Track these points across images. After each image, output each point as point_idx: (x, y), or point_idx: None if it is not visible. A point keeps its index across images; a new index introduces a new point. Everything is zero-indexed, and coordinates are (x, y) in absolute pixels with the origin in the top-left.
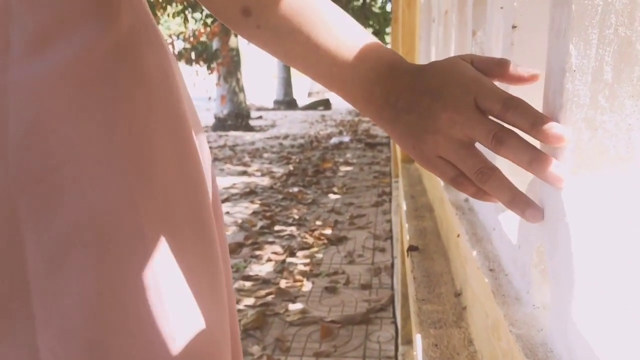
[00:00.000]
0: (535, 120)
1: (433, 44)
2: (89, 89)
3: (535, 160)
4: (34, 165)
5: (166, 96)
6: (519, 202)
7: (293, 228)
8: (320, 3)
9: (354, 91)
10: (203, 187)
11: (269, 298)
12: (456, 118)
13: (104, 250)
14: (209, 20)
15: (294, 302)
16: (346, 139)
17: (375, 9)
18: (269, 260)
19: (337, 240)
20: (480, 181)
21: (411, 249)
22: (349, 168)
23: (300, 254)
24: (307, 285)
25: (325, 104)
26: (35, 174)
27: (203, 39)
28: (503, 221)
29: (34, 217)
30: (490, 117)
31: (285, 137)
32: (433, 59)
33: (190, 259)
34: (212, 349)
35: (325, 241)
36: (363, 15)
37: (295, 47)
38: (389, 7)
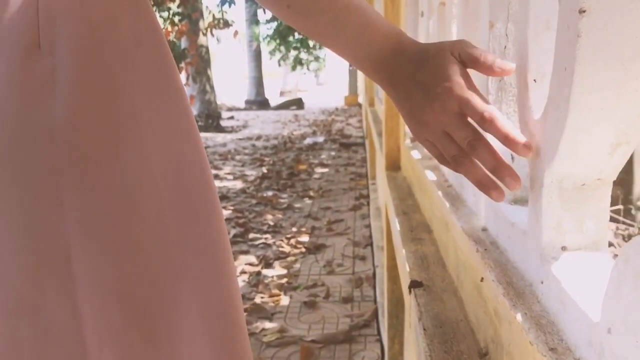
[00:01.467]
0: (507, 135)
1: (422, 41)
2: (118, 78)
3: (497, 168)
4: (79, 143)
5: (171, 94)
6: (485, 184)
7: (268, 235)
8: None
9: (364, 68)
10: (209, 175)
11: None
12: (439, 116)
13: (133, 230)
14: (176, 19)
15: (270, 319)
16: (320, 139)
17: None
18: (243, 272)
19: (315, 249)
20: (455, 165)
21: (414, 285)
22: (324, 170)
23: (276, 264)
24: (284, 300)
25: (298, 104)
26: (79, 151)
27: (171, 38)
28: (561, 276)
29: (75, 191)
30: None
31: (258, 138)
32: None
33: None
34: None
35: (303, 249)
36: None
37: (318, 26)
38: None
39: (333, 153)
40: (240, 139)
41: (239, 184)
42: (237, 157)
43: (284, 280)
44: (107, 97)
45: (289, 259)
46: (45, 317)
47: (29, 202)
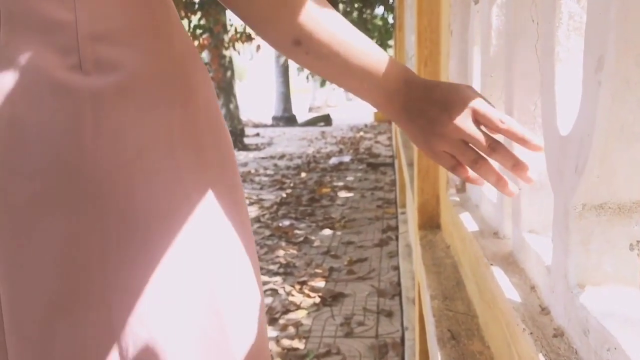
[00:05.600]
0: (523, 137)
1: (476, 43)
2: (151, 101)
3: (516, 165)
4: (111, 160)
5: (211, 112)
6: (503, 182)
7: (278, 279)
8: (351, 32)
9: (378, 100)
10: (242, 198)
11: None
12: (460, 128)
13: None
14: (197, 32)
15: None
16: (346, 158)
17: (377, 21)
18: None
19: (331, 298)
20: (474, 168)
21: None
22: (348, 194)
23: (283, 320)
24: None
25: (326, 120)
26: (111, 167)
27: None
28: None
29: (114, 199)
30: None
31: (281, 156)
32: (482, 69)
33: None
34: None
35: (317, 299)
36: (364, 27)
37: (334, 67)
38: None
39: (359, 174)
40: (262, 158)
41: (254, 211)
42: (257, 179)
43: (290, 343)
44: (134, 118)
45: (299, 312)
46: (81, 323)
47: (75, 220)
